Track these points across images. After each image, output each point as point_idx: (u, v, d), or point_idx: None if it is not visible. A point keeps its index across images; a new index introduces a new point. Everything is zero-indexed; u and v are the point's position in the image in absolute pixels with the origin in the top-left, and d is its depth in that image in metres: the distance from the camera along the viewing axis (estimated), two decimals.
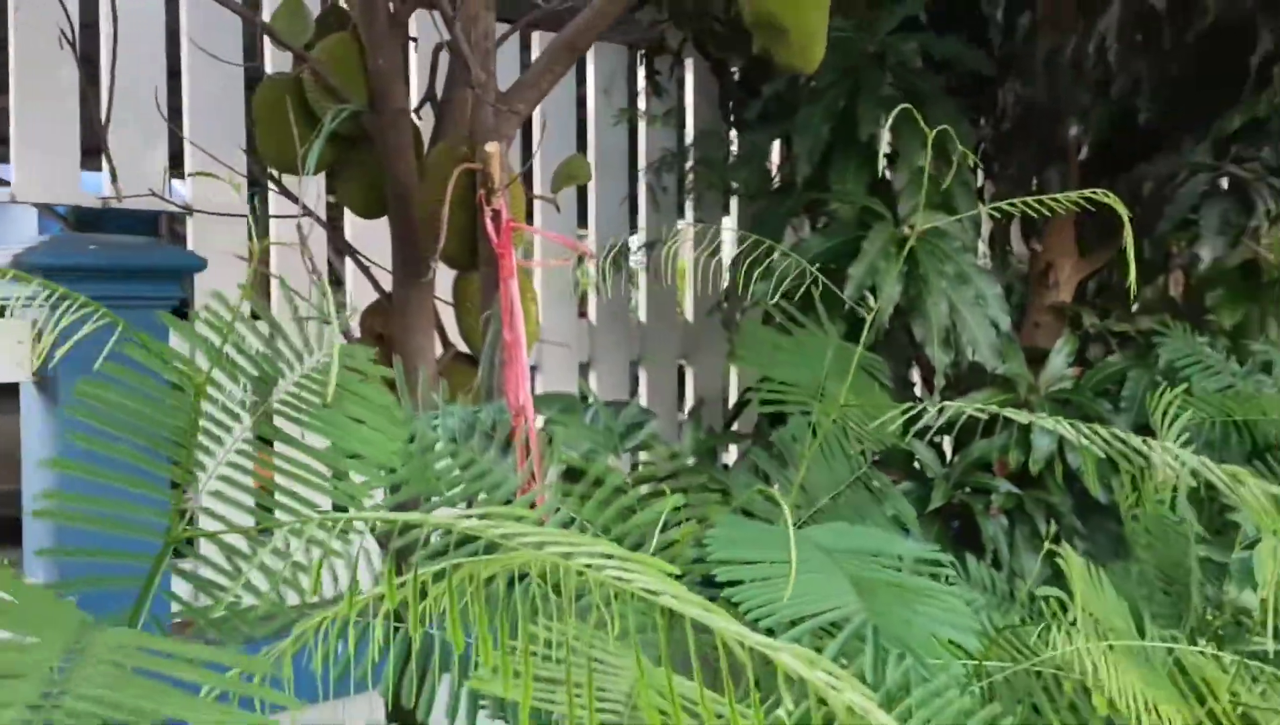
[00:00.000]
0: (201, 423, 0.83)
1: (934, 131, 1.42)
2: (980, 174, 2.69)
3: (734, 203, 3.05)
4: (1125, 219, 1.22)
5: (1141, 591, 1.57)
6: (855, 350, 1.43)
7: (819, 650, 0.95)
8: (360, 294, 2.09)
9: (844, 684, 0.60)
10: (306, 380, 1.00)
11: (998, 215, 2.73)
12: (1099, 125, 2.31)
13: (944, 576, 1.10)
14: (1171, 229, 2.23)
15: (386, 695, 0.89)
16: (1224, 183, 2.21)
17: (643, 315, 2.98)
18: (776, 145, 2.70)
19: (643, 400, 2.95)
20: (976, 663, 1.08)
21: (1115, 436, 1.19)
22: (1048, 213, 1.28)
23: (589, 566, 0.64)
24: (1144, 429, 2.21)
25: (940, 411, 1.46)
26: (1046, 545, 1.35)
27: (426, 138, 1.89)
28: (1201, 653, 1.20)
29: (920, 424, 1.26)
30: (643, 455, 1.82)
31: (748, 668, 0.59)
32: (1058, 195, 1.30)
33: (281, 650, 0.65)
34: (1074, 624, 1.16)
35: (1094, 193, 1.24)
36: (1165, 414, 1.55)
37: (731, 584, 0.95)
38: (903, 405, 1.27)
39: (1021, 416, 1.23)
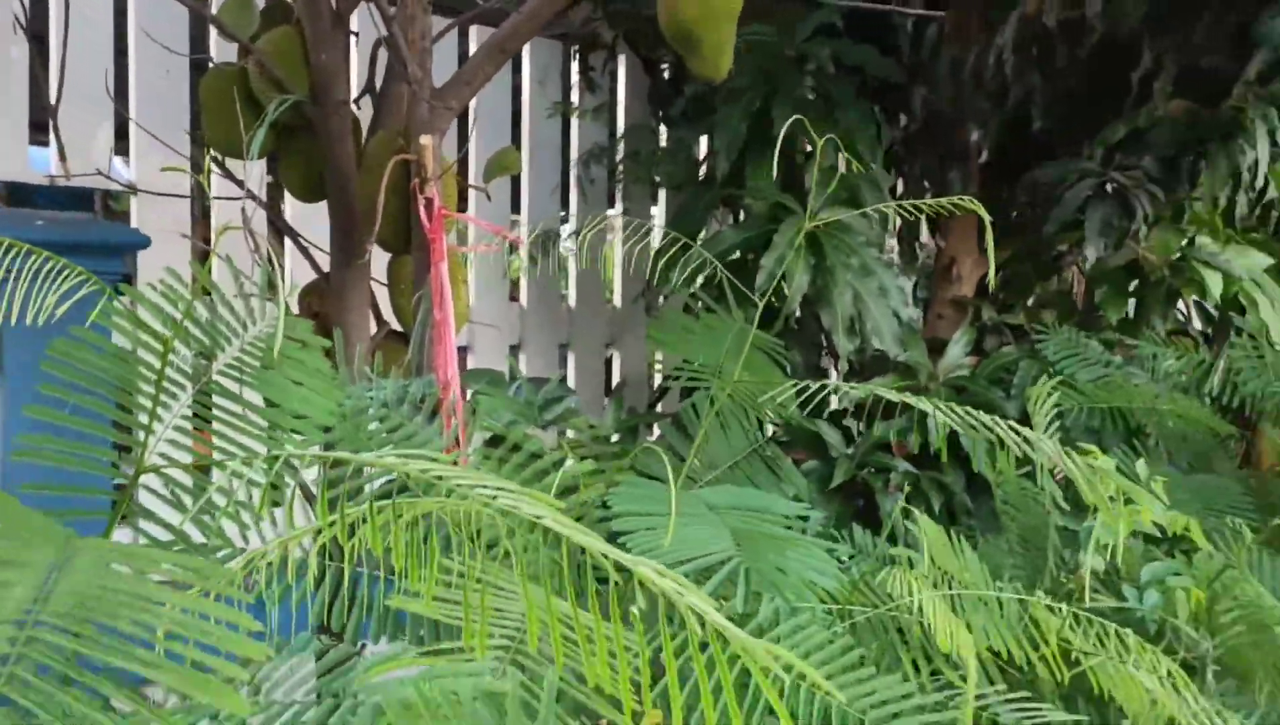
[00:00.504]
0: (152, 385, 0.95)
1: (831, 133, 1.57)
2: (891, 174, 2.85)
3: (662, 194, 3.19)
4: (988, 222, 1.37)
5: (1009, 559, 1.75)
6: (757, 334, 1.58)
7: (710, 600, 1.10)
8: (300, 274, 2.19)
9: (689, 591, 0.75)
10: (250, 347, 1.12)
11: (909, 213, 2.91)
12: (997, 132, 2.49)
13: (816, 533, 1.25)
14: (1058, 230, 2.42)
15: (318, 620, 1.02)
16: (1108, 188, 2.40)
17: (572, 301, 3.11)
18: (705, 140, 2.85)
19: (571, 382, 3.08)
20: (841, 606, 1.23)
21: (995, 422, 1.36)
22: (946, 212, 1.44)
23: (492, 497, 0.78)
24: (1025, 416, 2.40)
25: (834, 391, 1.62)
26: (904, 509, 1.52)
27: (366, 128, 2.01)
28: (1045, 605, 1.36)
29: (814, 403, 1.41)
30: (570, 433, 1.96)
31: (611, 575, 0.73)
32: (941, 199, 1.46)
33: (233, 567, 0.78)
34: (923, 576, 1.33)
35: (961, 200, 1.39)
36: (1039, 401, 1.73)
37: (625, 533, 1.09)
38: (792, 381, 1.42)
39: (912, 400, 1.38)
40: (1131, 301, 2.82)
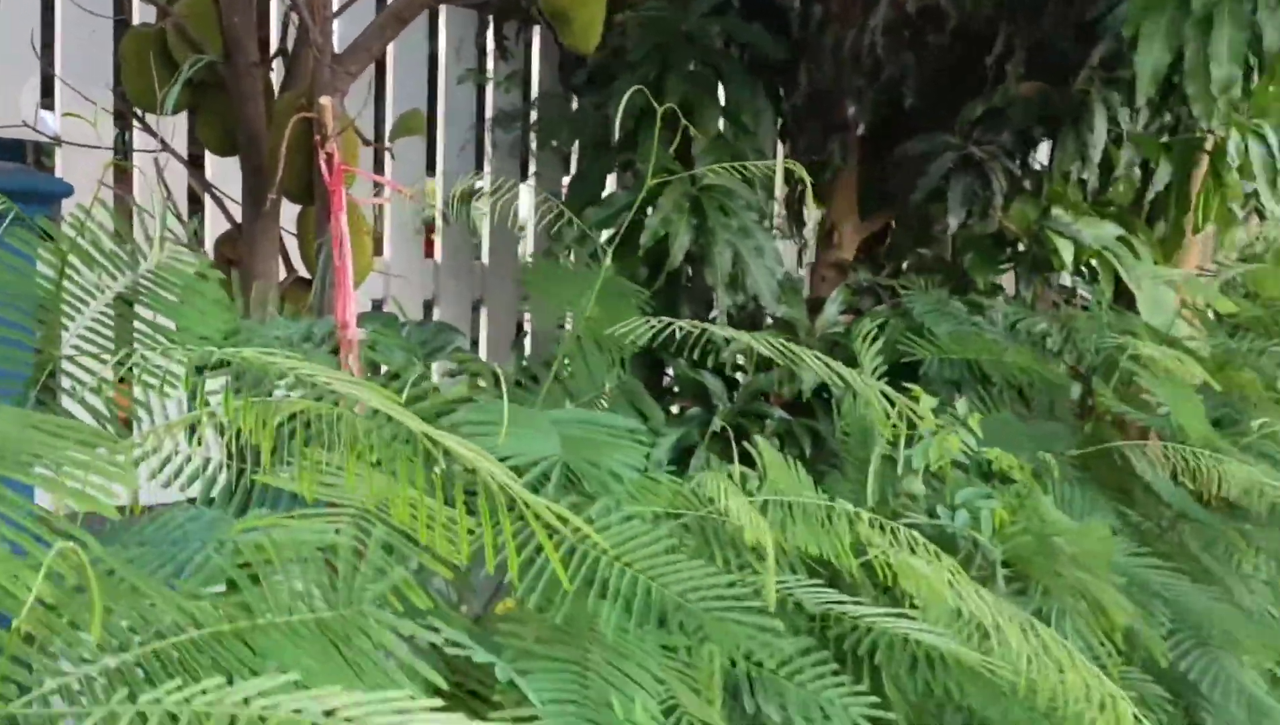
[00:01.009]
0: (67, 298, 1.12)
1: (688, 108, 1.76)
2: (781, 144, 3.06)
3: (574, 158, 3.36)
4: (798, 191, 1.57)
5: (846, 484, 1.98)
6: (617, 279, 1.78)
7: (536, 491, 1.30)
8: (215, 224, 2.35)
9: (489, 462, 0.94)
10: (155, 274, 1.29)
11: (799, 181, 3.12)
12: (873, 107, 2.70)
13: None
14: (925, 198, 2.64)
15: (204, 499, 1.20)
16: (969, 161, 2.62)
17: (485, 259, 3.28)
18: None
19: (483, 335, 3.26)
20: (670, 510, 1.44)
21: (849, 372, 1.57)
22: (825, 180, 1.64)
23: (328, 386, 0.97)
24: (895, 366, 2.63)
25: (724, 344, 1.84)
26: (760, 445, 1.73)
27: (279, 88, 2.17)
28: (857, 514, 1.58)
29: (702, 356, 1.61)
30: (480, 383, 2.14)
31: (422, 445, 0.92)
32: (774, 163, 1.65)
33: (132, 445, 0.96)
34: (753, 489, 1.55)
35: (790, 164, 1.59)
36: (864, 341, 1.95)
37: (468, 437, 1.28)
38: (643, 318, 1.62)
39: (784, 352, 1.58)
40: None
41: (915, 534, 1.52)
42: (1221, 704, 2.15)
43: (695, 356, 2.59)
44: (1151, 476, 2.23)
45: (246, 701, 0.62)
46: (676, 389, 2.77)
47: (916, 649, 1.55)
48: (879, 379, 2.03)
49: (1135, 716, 1.38)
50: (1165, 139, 2.78)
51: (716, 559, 1.40)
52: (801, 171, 1.90)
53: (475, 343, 3.23)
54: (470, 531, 1.08)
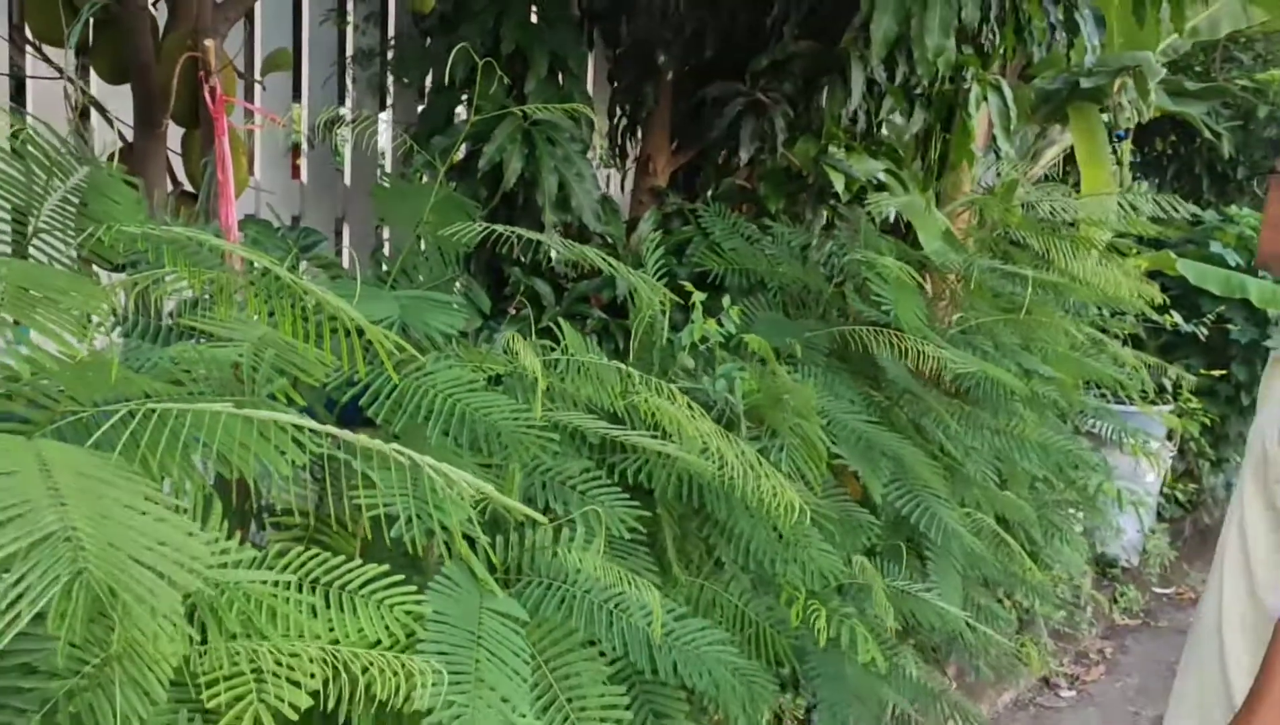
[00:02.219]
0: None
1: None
2: (609, 85, 3.53)
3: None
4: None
5: (639, 363, 2.49)
6: (451, 195, 2.24)
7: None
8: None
9: (345, 307, 1.41)
10: (78, 185, 1.70)
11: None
12: (680, 56, 3.19)
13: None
14: (720, 136, 3.16)
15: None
16: (758, 105, 3.14)
17: (348, 180, 3.68)
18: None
19: (346, 246, 3.67)
20: (481, 364, 1.93)
21: (645, 279, 2.07)
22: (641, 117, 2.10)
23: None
24: (698, 275, 3.15)
25: (520, 238, 2.30)
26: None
27: (163, 26, 2.53)
28: (638, 376, 2.09)
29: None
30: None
31: (296, 293, 1.38)
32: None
33: (103, 292, 1.39)
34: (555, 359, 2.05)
35: (582, 108, 2.07)
36: (650, 248, 2.46)
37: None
38: (469, 224, 2.09)
39: (603, 263, 2.07)
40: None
41: (674, 389, 2.04)
42: (932, 537, 2.78)
43: (529, 266, 3.09)
44: (884, 361, 2.82)
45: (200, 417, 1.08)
46: (511, 293, 3.25)
47: (674, 469, 2.09)
48: (698, 288, 2.57)
49: (809, 513, 1.95)
50: (919, 90, 3.35)
51: (517, 398, 1.90)
52: (590, 112, 2.39)
53: (339, 255, 3.63)
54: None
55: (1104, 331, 4.67)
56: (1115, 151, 6.13)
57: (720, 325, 2.41)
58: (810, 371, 2.68)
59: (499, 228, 2.09)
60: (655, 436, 2.04)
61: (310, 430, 1.18)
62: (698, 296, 2.40)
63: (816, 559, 2.22)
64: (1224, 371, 5.80)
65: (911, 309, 2.75)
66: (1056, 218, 3.82)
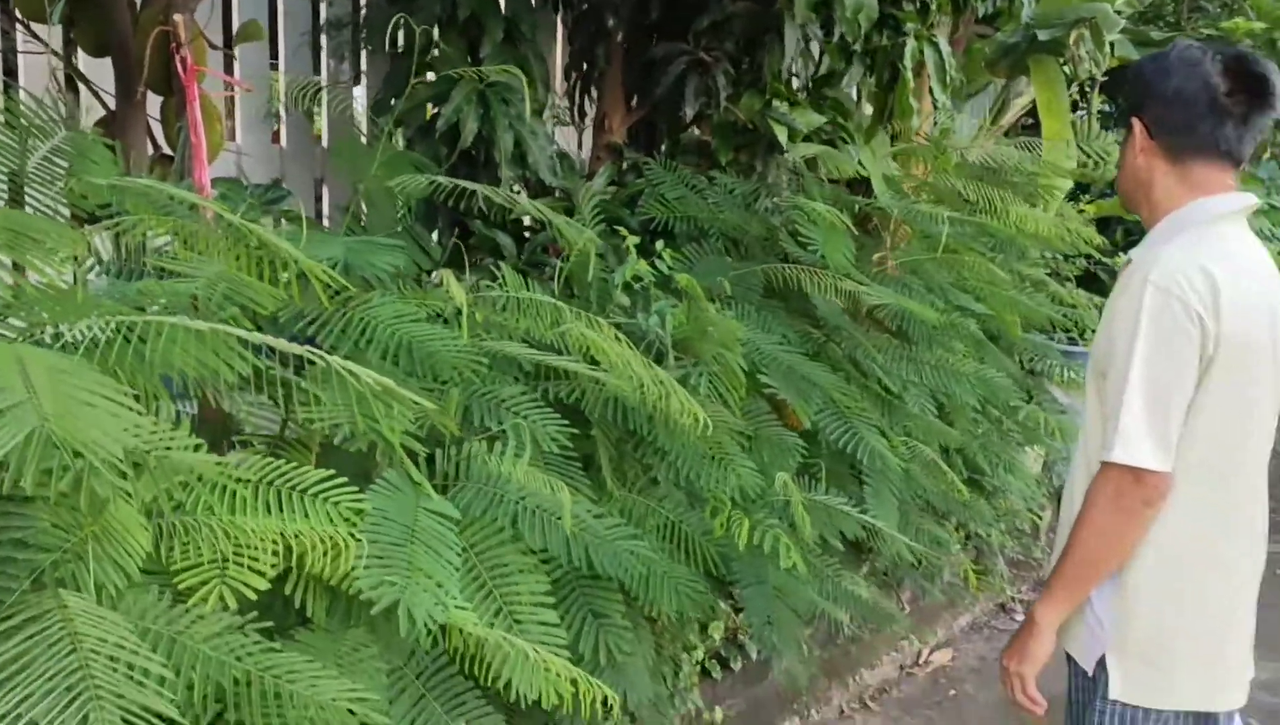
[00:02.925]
0: None
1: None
2: (568, 47, 3.74)
3: None
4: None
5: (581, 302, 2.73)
6: (406, 154, 2.47)
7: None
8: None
9: (292, 248, 1.65)
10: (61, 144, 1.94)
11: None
12: (629, 19, 3.39)
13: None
14: (667, 94, 3.37)
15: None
16: (701, 63, 3.35)
17: (325, 143, 3.90)
18: None
19: (325, 208, 3.89)
20: (425, 304, 2.17)
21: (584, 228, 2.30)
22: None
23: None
24: (646, 223, 3.37)
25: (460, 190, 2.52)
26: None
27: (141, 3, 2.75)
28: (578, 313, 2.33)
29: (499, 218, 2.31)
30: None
31: (250, 237, 1.62)
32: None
33: (80, 237, 1.63)
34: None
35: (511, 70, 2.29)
36: (587, 198, 2.68)
37: None
38: (424, 176, 2.32)
39: (556, 218, 2.29)
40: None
41: (602, 322, 2.28)
42: (860, 460, 3.02)
43: (492, 220, 3.31)
44: (816, 299, 3.05)
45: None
46: (475, 244, 3.48)
47: (604, 393, 2.32)
48: (648, 235, 2.80)
49: (731, 432, 2.19)
50: (857, 47, 3.55)
51: (453, 330, 2.14)
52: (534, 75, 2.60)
53: (320, 214, 3.86)
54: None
55: (1056, 273, 4.90)
56: (1086, 102, 6.32)
57: (655, 267, 2.64)
58: (744, 309, 2.91)
59: (442, 179, 2.32)
60: (587, 364, 2.28)
61: (249, 343, 1.42)
62: (631, 240, 2.63)
63: (741, 475, 2.46)
64: None
65: (839, 250, 2.97)
66: (1011, 167, 4.03)
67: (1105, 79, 6.04)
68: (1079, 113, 6.37)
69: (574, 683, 1.78)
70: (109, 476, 1.08)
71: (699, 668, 3.26)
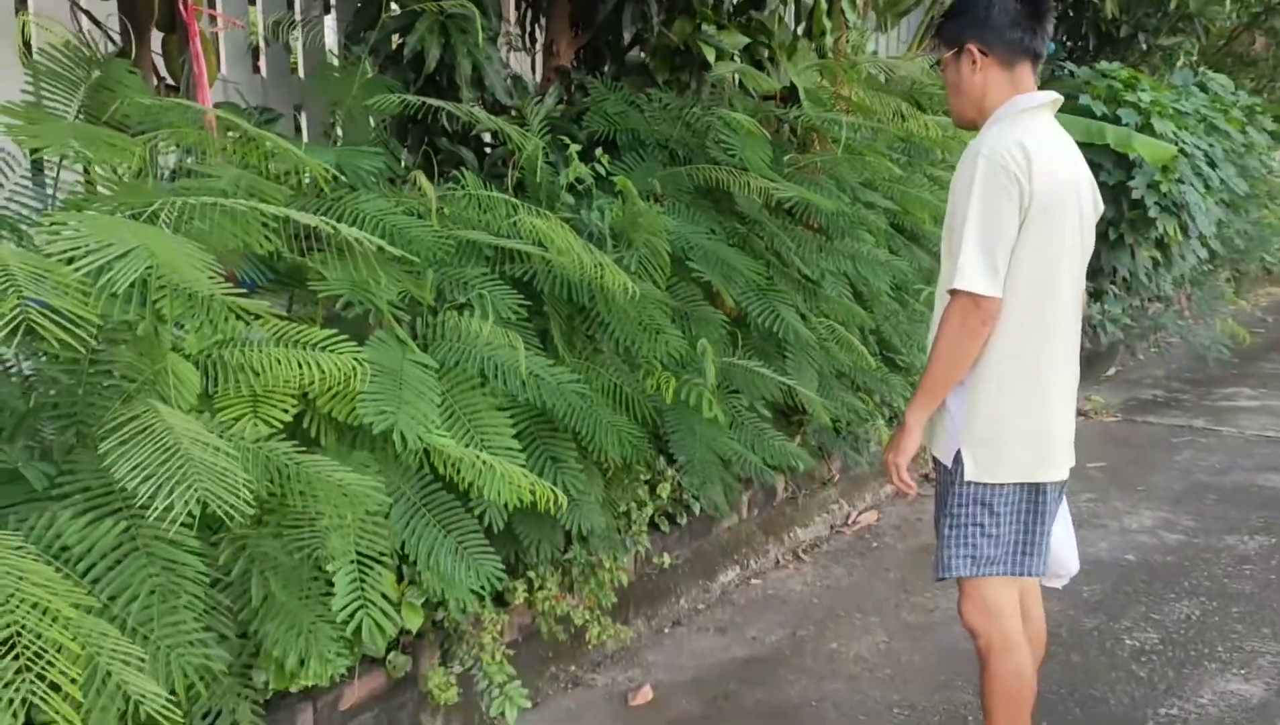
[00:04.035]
0: None
1: None
2: None
3: None
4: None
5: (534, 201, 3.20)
6: (380, 78, 2.92)
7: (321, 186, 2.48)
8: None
9: (293, 149, 2.12)
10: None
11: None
12: None
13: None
14: (606, 20, 3.80)
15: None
16: None
17: (302, 73, 4.31)
18: None
19: (305, 129, 4.32)
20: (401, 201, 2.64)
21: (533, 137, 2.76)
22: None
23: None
24: (593, 136, 3.82)
25: (426, 111, 2.96)
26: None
27: None
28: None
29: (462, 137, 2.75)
30: None
31: (259, 142, 2.09)
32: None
33: None
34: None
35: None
36: (532, 112, 3.14)
37: None
38: (396, 96, 2.77)
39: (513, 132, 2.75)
40: None
41: (548, 214, 2.76)
42: (776, 333, 3.53)
43: (457, 137, 3.76)
44: (739, 197, 3.53)
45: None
46: (443, 159, 3.93)
47: (553, 273, 2.81)
48: (595, 146, 3.25)
49: (656, 303, 2.68)
50: None
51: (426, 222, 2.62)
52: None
53: (300, 136, 4.28)
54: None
55: None
56: None
57: (593, 170, 3.11)
58: (675, 207, 3.39)
59: (411, 98, 2.77)
60: (538, 249, 2.77)
61: (275, 216, 1.89)
62: (574, 149, 3.10)
63: (670, 343, 2.97)
64: None
65: (757, 154, 3.45)
66: (915, 80, 4.50)
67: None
68: None
69: (532, 491, 2.30)
70: (180, 314, 1.56)
71: (650, 522, 3.79)
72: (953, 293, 2.35)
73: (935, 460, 2.55)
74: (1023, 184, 2.29)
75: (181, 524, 1.71)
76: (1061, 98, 2.48)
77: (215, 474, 1.62)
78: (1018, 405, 2.39)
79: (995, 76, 2.44)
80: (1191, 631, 3.65)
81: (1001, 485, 2.41)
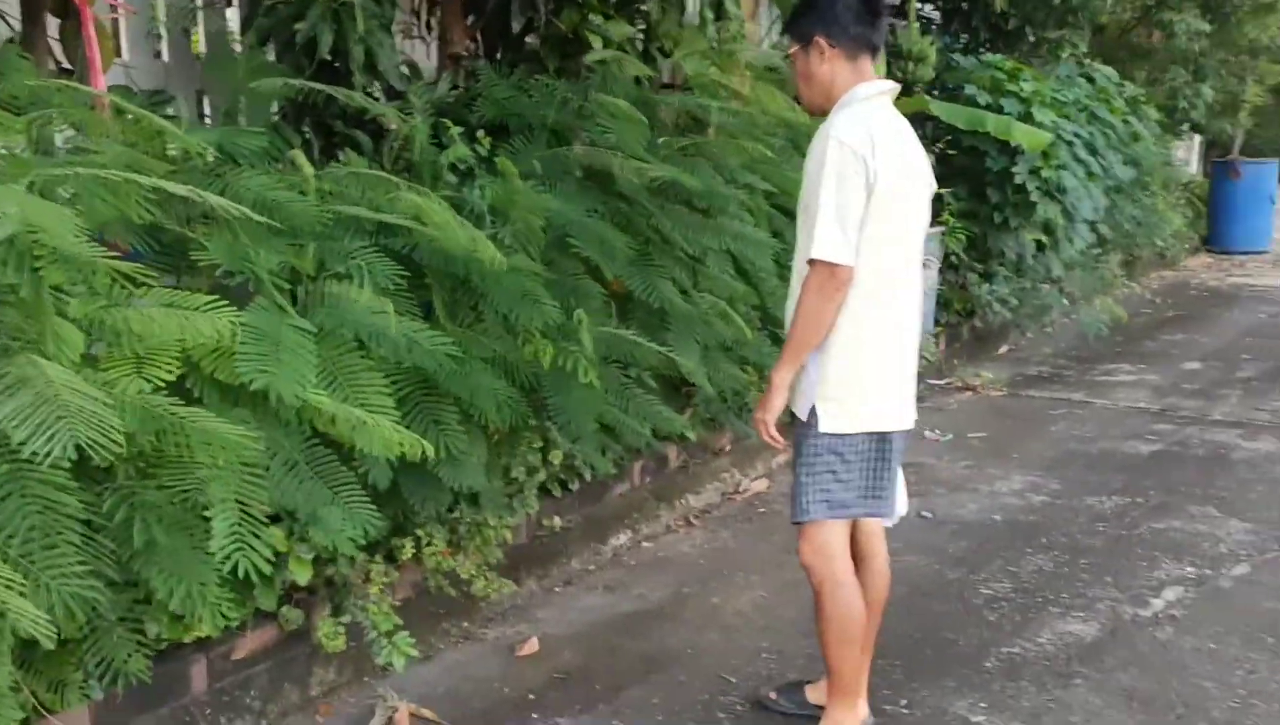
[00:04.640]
0: None
1: None
2: None
3: None
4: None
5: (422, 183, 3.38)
6: (269, 63, 3.09)
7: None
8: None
9: (176, 130, 2.29)
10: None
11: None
12: None
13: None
14: (495, 9, 3.98)
15: None
16: None
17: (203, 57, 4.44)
18: None
19: (206, 113, 4.45)
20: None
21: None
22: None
23: None
24: (487, 120, 3.99)
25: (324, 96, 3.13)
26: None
27: None
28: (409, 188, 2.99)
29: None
30: None
31: (144, 122, 2.26)
32: None
33: None
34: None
35: None
36: (418, 95, 3.32)
37: None
38: (281, 78, 2.93)
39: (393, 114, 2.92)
40: None
41: (427, 191, 2.94)
42: (657, 305, 3.75)
43: (352, 121, 3.92)
44: (621, 177, 3.74)
45: None
46: (339, 142, 4.09)
47: (433, 246, 3.00)
48: (489, 130, 3.43)
49: (537, 274, 2.89)
50: None
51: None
52: None
53: (202, 118, 4.41)
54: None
55: None
56: (904, 8, 7.05)
57: (475, 152, 3.31)
58: (558, 187, 3.60)
59: (297, 82, 2.94)
60: (417, 224, 2.95)
61: (151, 188, 2.06)
62: (454, 131, 3.29)
63: (546, 312, 3.17)
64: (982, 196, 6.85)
65: (635, 137, 3.67)
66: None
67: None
68: (898, 20, 7.11)
69: (404, 445, 2.50)
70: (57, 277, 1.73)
71: (543, 488, 3.99)
72: (811, 262, 2.58)
73: (793, 415, 2.79)
74: (868, 164, 2.53)
75: (61, 468, 1.88)
76: (898, 86, 2.74)
77: (89, 418, 1.79)
78: (865, 362, 2.64)
79: (841, 67, 2.68)
80: (1042, 581, 3.95)
81: (851, 435, 2.66)
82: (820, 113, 2.77)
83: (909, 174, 2.64)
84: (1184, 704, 3.10)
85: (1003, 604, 3.77)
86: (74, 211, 1.92)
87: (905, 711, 3.09)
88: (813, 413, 2.68)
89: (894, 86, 2.73)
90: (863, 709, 2.93)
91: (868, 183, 2.54)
